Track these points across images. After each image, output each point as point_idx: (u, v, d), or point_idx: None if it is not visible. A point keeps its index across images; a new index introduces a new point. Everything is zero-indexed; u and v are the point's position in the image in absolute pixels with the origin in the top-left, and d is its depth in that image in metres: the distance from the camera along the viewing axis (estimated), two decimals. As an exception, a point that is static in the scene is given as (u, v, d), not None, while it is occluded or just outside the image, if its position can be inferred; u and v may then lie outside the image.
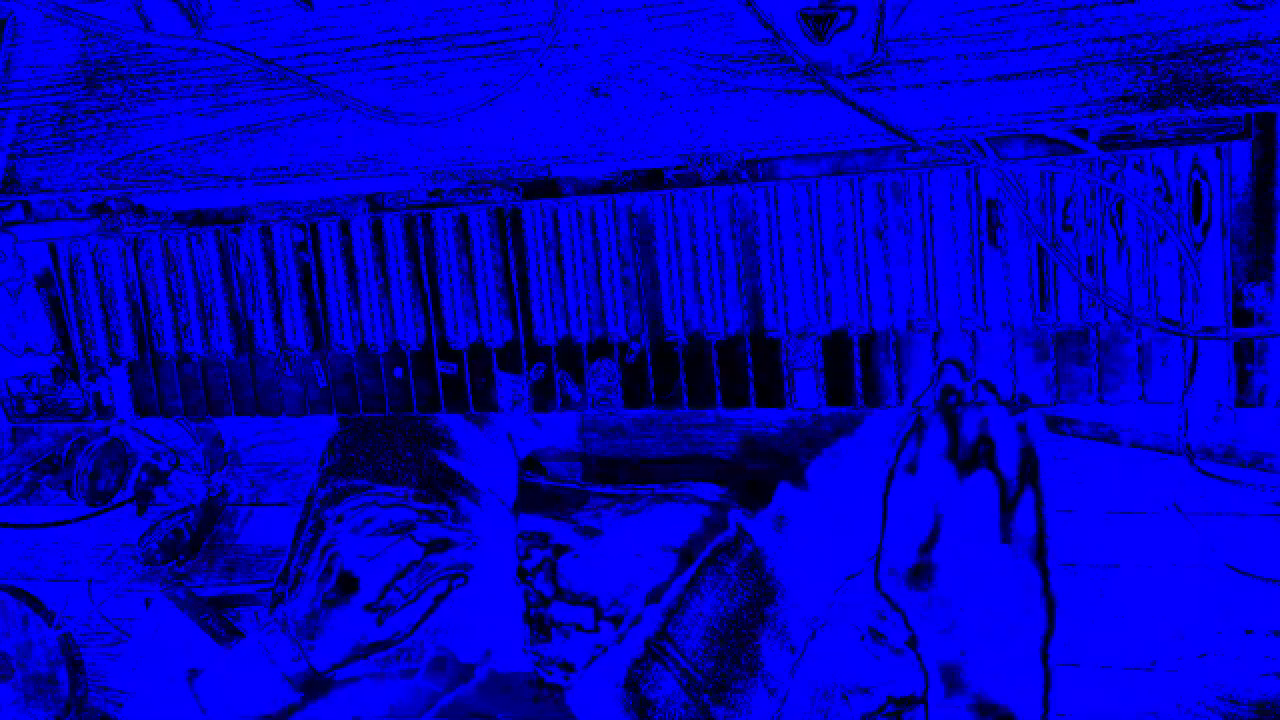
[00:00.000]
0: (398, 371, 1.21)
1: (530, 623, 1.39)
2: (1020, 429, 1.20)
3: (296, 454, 1.98)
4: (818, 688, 1.35)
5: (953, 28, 0.93)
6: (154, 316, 1.27)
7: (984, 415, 1.19)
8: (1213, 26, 0.88)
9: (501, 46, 1.05)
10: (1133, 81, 0.90)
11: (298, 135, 1.12)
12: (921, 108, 0.96)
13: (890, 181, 1.03)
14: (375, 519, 1.31)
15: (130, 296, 1.28)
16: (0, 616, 2.16)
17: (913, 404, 1.23)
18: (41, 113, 1.20)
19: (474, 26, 1.05)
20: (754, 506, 1.41)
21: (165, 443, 1.96)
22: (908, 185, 1.03)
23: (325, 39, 1.09)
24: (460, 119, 1.07)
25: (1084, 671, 1.59)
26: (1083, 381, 1.03)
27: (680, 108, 1.01)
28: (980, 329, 1.04)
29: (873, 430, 1.37)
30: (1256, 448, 1.31)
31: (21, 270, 1.30)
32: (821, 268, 1.07)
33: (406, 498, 1.31)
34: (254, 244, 1.22)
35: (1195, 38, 0.88)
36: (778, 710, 1.32)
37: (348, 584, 1.33)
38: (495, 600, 1.39)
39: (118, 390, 1.31)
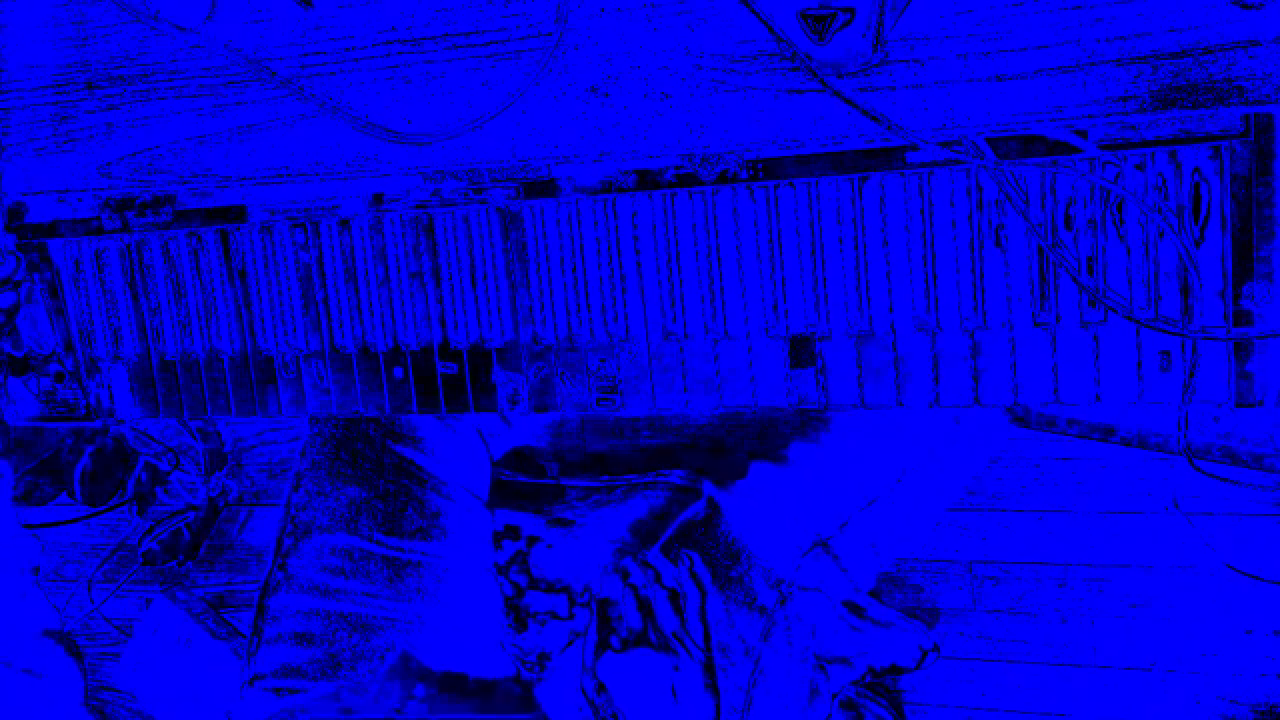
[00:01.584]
0: (398, 371, 1.21)
1: (510, 612, 1.39)
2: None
3: (297, 454, 1.98)
4: (794, 656, 1.35)
5: (953, 28, 0.94)
6: (154, 316, 1.28)
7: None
8: (1213, 26, 0.88)
9: (502, 47, 1.05)
10: (1133, 81, 0.90)
11: (298, 135, 1.12)
12: (921, 108, 0.96)
13: (890, 181, 1.03)
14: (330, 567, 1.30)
15: (130, 296, 1.28)
16: (0, 616, 2.16)
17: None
18: (40, 112, 1.20)
19: (474, 26, 1.05)
20: (728, 481, 1.41)
21: (165, 443, 1.96)
22: (908, 185, 1.03)
23: (325, 39, 1.09)
24: (460, 120, 1.07)
25: (1084, 672, 1.60)
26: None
27: (681, 108, 1.01)
28: (980, 329, 1.04)
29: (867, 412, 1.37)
30: (1256, 448, 1.31)
31: (22, 270, 1.30)
32: (821, 267, 1.07)
33: (371, 535, 1.30)
34: (254, 244, 1.22)
35: (1195, 38, 0.88)
36: (752, 673, 1.31)
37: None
38: (470, 597, 1.38)
39: (118, 390, 1.31)
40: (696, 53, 1.00)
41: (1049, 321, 1.02)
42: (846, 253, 1.06)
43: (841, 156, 1.03)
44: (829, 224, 1.06)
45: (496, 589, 1.41)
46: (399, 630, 1.30)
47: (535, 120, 1.06)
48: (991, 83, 0.94)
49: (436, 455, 1.39)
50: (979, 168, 0.99)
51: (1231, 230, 0.95)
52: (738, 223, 1.08)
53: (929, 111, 0.96)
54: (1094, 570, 1.55)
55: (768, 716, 1.32)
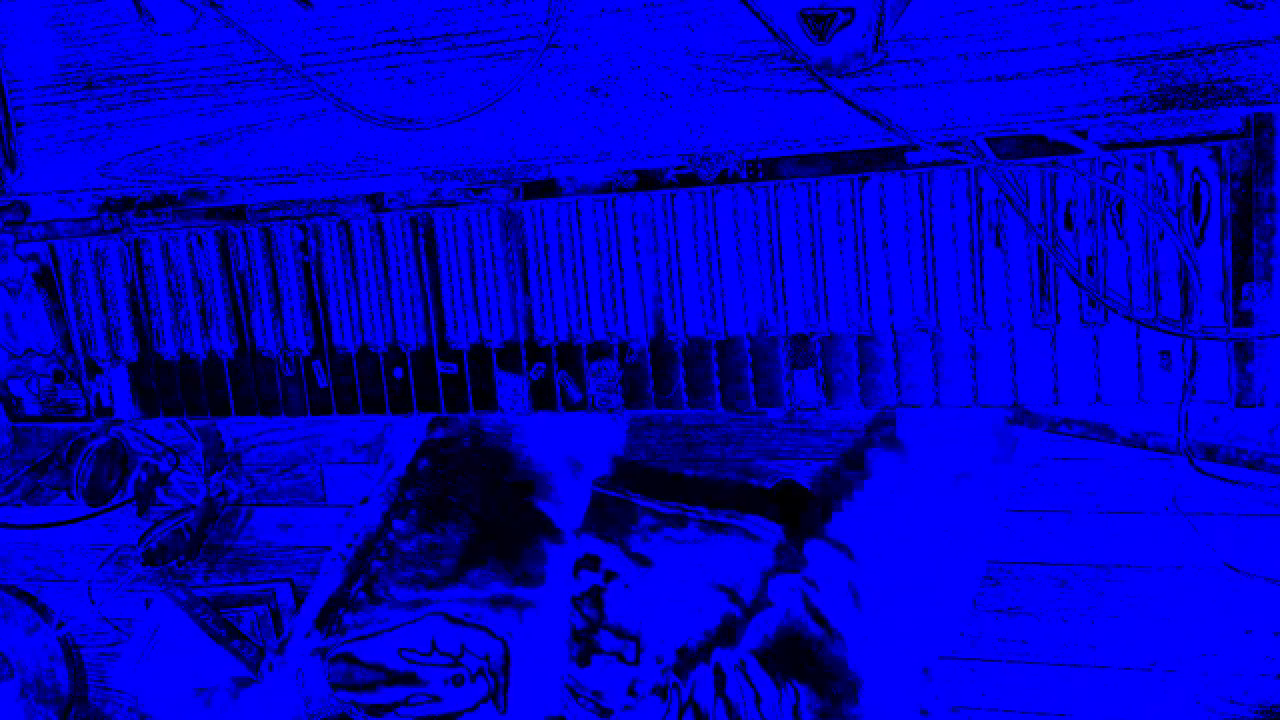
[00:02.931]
0: (397, 371, 1.21)
1: (577, 643, 1.35)
2: None
3: (296, 454, 1.98)
4: None
5: (953, 28, 0.93)
6: (154, 316, 1.27)
7: None
8: (1213, 26, 0.88)
9: (501, 46, 1.05)
10: (1133, 81, 0.90)
11: (298, 135, 1.12)
12: (921, 108, 0.96)
13: (890, 181, 1.03)
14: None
15: (130, 297, 1.28)
16: (1, 617, 2.16)
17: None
18: (41, 113, 1.20)
19: (474, 26, 1.05)
20: (805, 534, 1.37)
21: (165, 443, 1.96)
22: (908, 185, 1.03)
23: (325, 39, 1.09)
24: (459, 120, 1.07)
25: (1084, 672, 1.60)
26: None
27: (681, 108, 1.01)
28: (980, 329, 1.04)
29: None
30: (1257, 448, 1.31)
31: (22, 270, 1.30)
32: (821, 267, 1.07)
33: (467, 615, 1.25)
34: (254, 244, 1.22)
35: (1195, 38, 0.88)
36: None
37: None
38: (549, 632, 1.35)
39: (118, 390, 1.31)
40: (696, 53, 1.00)
41: (1049, 322, 1.02)
42: (846, 253, 1.06)
43: (841, 156, 1.03)
44: (829, 224, 1.06)
45: (568, 624, 1.38)
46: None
47: (535, 120, 1.05)
48: (991, 83, 0.94)
49: (556, 497, 1.37)
50: (979, 168, 0.99)
51: (1231, 230, 0.95)
52: (738, 223, 1.08)
53: (929, 111, 0.96)
54: (1094, 570, 1.55)
55: None
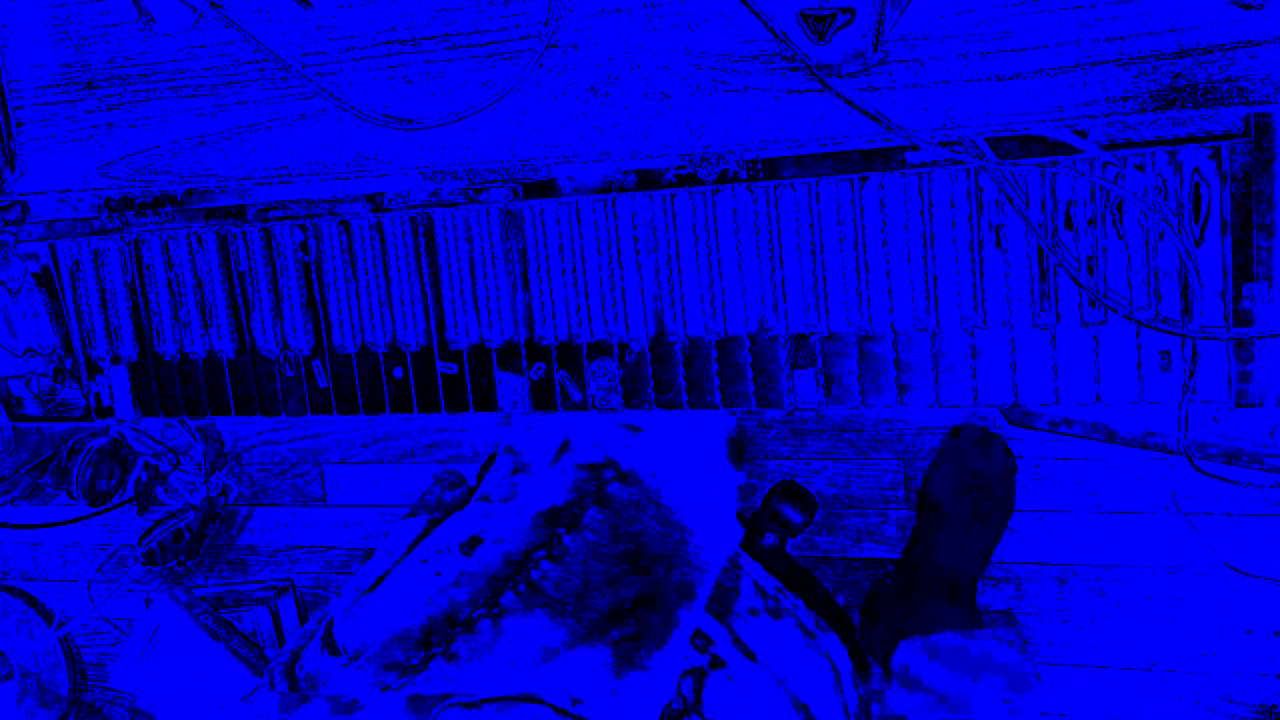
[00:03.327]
0: (397, 371, 1.21)
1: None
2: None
3: (297, 454, 1.99)
4: None
5: (953, 28, 0.94)
6: (154, 316, 1.28)
7: None
8: (1213, 26, 0.88)
9: (501, 46, 1.05)
10: (1133, 81, 0.90)
11: (298, 135, 1.12)
12: (921, 108, 0.96)
13: (890, 181, 1.03)
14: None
15: (130, 296, 1.28)
16: (0, 616, 2.16)
17: None
18: (41, 112, 1.20)
19: (474, 26, 1.05)
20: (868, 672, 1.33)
21: (165, 443, 1.96)
22: (908, 185, 1.03)
23: (325, 39, 1.09)
24: (459, 120, 1.07)
25: (1084, 672, 1.60)
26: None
27: (681, 108, 1.01)
28: (980, 328, 1.04)
29: None
30: (1256, 448, 1.31)
31: (22, 270, 1.30)
32: (821, 267, 1.07)
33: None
34: (254, 244, 1.22)
35: (1195, 38, 0.88)
36: None
37: None
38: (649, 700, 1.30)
39: (118, 390, 1.31)
40: (696, 53, 1.00)
41: (1049, 322, 1.02)
42: (846, 253, 1.06)
43: (841, 156, 1.03)
44: (829, 224, 1.06)
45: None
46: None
47: (535, 120, 1.06)
48: (991, 83, 0.94)
49: (706, 582, 1.33)
50: (979, 168, 0.99)
51: (1231, 230, 0.95)
52: (738, 223, 1.08)
53: (929, 111, 0.96)
54: (1094, 570, 1.55)
55: None
